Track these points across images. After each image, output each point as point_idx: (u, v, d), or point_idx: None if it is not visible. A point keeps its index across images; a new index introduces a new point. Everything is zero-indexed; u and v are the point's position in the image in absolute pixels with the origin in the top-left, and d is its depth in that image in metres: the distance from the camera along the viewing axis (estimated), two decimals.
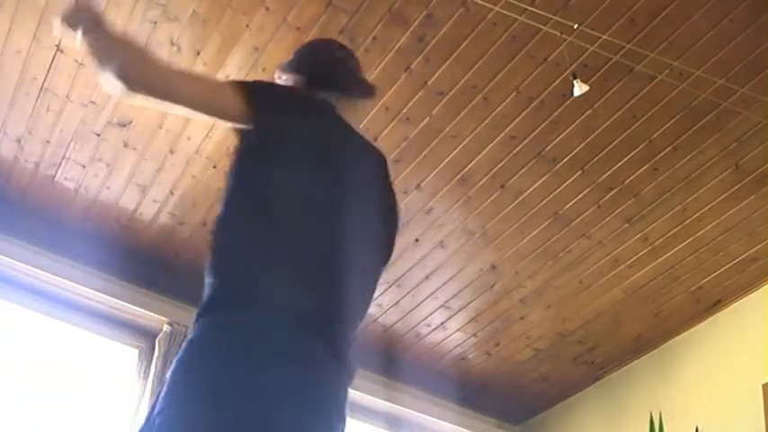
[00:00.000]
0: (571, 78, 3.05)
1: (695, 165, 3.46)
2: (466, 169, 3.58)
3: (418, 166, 3.59)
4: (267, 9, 3.06)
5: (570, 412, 4.76)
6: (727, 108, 3.23)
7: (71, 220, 4.00)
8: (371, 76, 3.24)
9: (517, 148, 3.48)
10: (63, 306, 4.05)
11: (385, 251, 1.97)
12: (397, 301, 4.26)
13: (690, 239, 3.76)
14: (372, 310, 4.31)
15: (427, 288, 4.17)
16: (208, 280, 1.69)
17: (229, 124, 1.84)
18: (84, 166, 3.75)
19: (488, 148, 3.49)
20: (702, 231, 3.72)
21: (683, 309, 4.11)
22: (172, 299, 4.20)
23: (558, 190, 3.63)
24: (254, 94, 1.85)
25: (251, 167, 1.82)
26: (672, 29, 3.00)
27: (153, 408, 1.58)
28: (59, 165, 3.75)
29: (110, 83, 1.74)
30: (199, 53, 3.21)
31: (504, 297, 4.18)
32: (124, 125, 3.55)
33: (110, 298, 4.10)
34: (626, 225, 3.74)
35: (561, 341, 4.40)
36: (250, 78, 3.00)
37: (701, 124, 3.31)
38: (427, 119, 3.40)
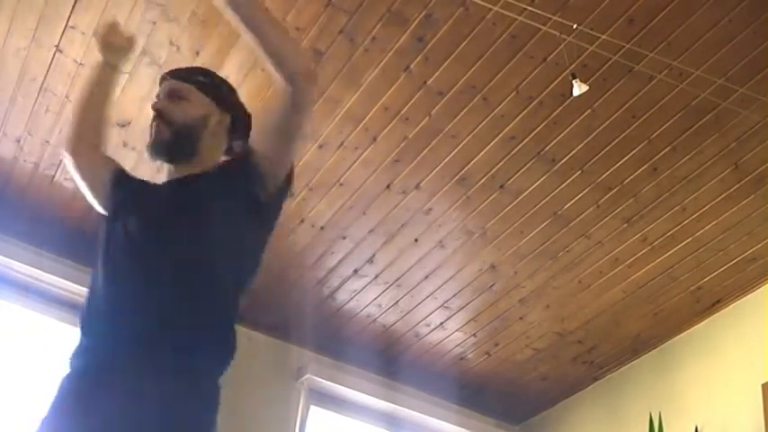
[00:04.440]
0: (570, 78, 3.05)
1: (694, 164, 3.46)
2: (465, 169, 3.58)
3: (417, 166, 3.59)
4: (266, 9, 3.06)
5: (570, 412, 4.76)
6: (726, 108, 3.23)
7: (71, 220, 3.99)
8: (371, 76, 3.25)
9: (516, 148, 3.48)
10: (63, 306, 4.04)
11: None
12: (397, 301, 4.26)
13: (689, 239, 3.76)
14: (372, 309, 4.31)
15: (426, 288, 4.17)
16: (226, 333, 1.76)
17: (278, 171, 1.90)
18: None
19: (487, 148, 3.49)
20: (702, 231, 3.72)
21: (682, 309, 4.11)
22: None
23: (558, 190, 3.63)
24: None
25: (265, 236, 1.91)
26: (671, 29, 3.00)
27: None
28: (59, 165, 3.75)
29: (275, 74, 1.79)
30: (198, 53, 3.21)
31: (503, 297, 4.18)
32: (124, 125, 3.55)
33: None
34: (625, 225, 3.74)
35: (560, 341, 4.41)
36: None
37: (701, 124, 3.31)
38: (426, 119, 3.40)
